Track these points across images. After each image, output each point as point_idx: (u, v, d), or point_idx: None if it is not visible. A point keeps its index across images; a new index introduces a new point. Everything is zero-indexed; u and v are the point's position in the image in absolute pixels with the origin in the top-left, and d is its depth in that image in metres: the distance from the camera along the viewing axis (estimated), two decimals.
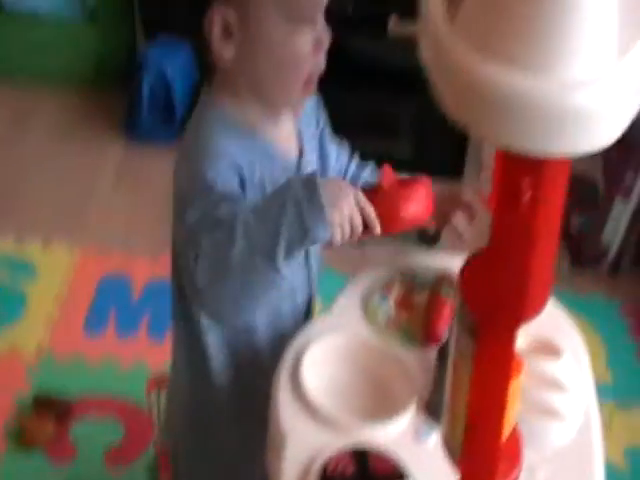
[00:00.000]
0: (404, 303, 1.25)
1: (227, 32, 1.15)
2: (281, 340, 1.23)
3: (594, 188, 2.64)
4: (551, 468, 1.04)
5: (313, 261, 1.31)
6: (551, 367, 1.12)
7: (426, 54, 0.71)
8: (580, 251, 2.65)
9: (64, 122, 3.03)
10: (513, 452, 0.83)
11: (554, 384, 1.10)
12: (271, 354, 1.23)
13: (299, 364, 1.13)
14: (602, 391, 2.16)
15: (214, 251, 1.09)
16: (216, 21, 1.14)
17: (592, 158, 2.25)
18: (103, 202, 2.72)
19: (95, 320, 2.31)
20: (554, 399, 1.08)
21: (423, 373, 1.13)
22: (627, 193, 2.52)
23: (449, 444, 0.83)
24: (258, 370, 1.25)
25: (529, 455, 1.02)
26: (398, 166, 1.37)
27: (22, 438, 2.01)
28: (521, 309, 0.74)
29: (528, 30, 0.65)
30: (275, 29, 1.14)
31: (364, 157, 1.64)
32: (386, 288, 1.28)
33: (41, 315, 2.31)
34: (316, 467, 1.00)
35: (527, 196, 0.69)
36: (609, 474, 2.01)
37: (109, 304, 2.36)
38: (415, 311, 1.24)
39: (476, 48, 0.66)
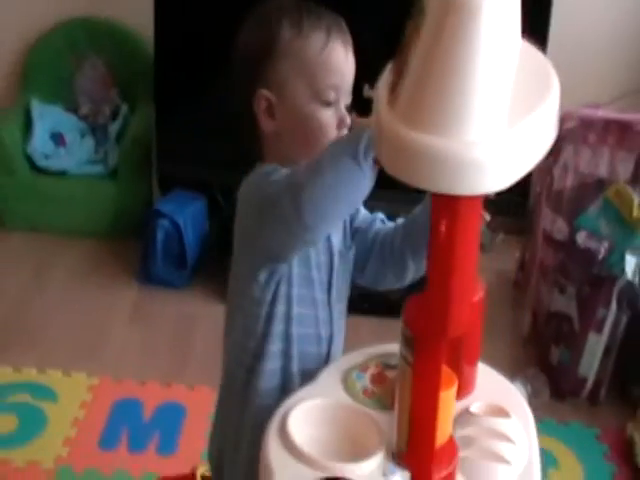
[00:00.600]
0: (378, 379, 1.40)
1: (270, 111, 1.41)
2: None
3: (570, 323, 2.71)
4: None
5: (335, 302, 1.50)
6: (500, 424, 1.29)
7: (374, 133, 0.97)
8: (560, 382, 2.71)
9: (84, 269, 3.23)
10: (450, 453, 1.01)
11: (502, 436, 1.27)
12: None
13: (287, 418, 1.29)
14: None
15: (308, 167, 1.27)
16: (261, 102, 1.41)
17: (567, 296, 2.47)
18: (118, 339, 2.89)
19: (109, 438, 2.46)
20: (501, 447, 1.24)
21: (391, 430, 1.30)
22: (599, 327, 2.61)
23: (398, 442, 1.02)
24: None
25: None
26: (392, 311, 1.51)
27: None
28: (445, 325, 0.94)
29: (438, 108, 0.89)
30: (306, 106, 1.40)
31: (356, 299, 1.81)
32: (363, 368, 1.44)
33: (60, 433, 2.46)
34: None
35: (443, 226, 0.92)
36: None
37: (122, 424, 2.51)
38: (387, 384, 1.37)
39: (404, 123, 0.90)
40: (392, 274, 1.53)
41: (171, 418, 2.56)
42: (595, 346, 2.65)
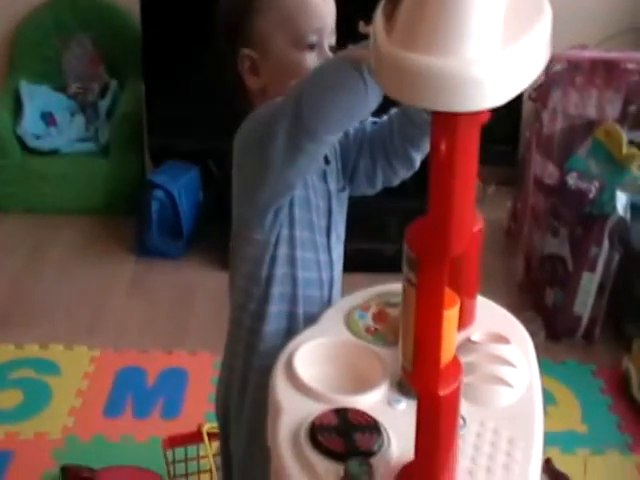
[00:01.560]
0: (379, 317, 1.42)
1: (254, 68, 1.43)
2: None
3: (564, 264, 2.76)
4: (500, 420, 1.21)
5: (334, 246, 1.53)
6: (501, 350, 1.31)
7: (373, 59, 0.96)
8: (555, 323, 2.77)
9: (81, 246, 3.25)
10: (455, 371, 1.02)
11: (503, 361, 1.29)
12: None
13: (293, 357, 1.29)
14: (579, 440, 2.35)
15: (308, 76, 1.28)
16: (245, 61, 1.43)
17: (560, 238, 2.50)
18: (118, 311, 2.91)
19: (114, 406, 2.48)
20: (503, 371, 1.26)
21: (394, 363, 1.32)
22: (592, 266, 2.65)
23: (404, 360, 1.03)
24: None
25: (483, 411, 1.24)
26: (385, 265, 1.51)
27: None
28: (447, 243, 0.95)
29: (436, 28, 0.88)
30: (290, 55, 1.41)
31: (353, 255, 1.82)
32: (364, 307, 1.46)
33: (65, 405, 2.48)
34: (306, 423, 1.18)
35: (443, 145, 0.92)
36: None
37: (126, 392, 2.53)
38: (388, 322, 1.40)
39: (403, 47, 0.90)
40: (401, 167, 1.52)
41: (174, 383, 2.58)
42: (589, 285, 2.69)
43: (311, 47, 1.42)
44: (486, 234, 3.41)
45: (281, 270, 1.47)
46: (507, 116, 2.84)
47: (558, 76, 2.81)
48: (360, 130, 1.53)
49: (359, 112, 1.28)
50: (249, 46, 1.43)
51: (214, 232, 2.97)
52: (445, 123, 0.92)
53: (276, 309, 1.49)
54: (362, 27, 1.21)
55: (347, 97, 1.23)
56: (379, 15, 0.98)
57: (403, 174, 1.54)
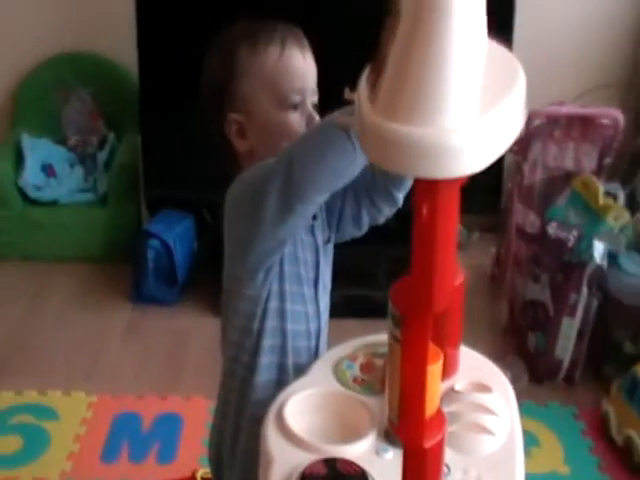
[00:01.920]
0: (367, 367, 1.42)
1: (241, 132, 1.45)
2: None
3: (545, 310, 2.77)
4: (482, 468, 1.21)
5: (321, 297, 1.53)
6: (484, 398, 1.33)
7: (357, 128, 0.99)
8: (537, 366, 2.76)
9: (79, 293, 3.24)
10: (439, 423, 1.04)
11: (486, 410, 1.31)
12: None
13: (283, 408, 1.30)
14: None
15: (298, 140, 1.30)
16: (232, 125, 1.44)
17: (541, 284, 2.52)
18: (114, 357, 2.90)
19: (110, 451, 2.47)
20: (485, 419, 1.28)
21: (382, 412, 1.33)
22: (572, 312, 2.66)
23: (390, 413, 1.04)
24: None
25: (466, 459, 1.25)
26: (374, 310, 1.50)
27: None
28: (430, 301, 0.97)
29: (416, 99, 0.90)
30: (275, 117, 1.43)
31: (343, 302, 1.82)
32: (352, 357, 1.47)
33: (63, 450, 2.47)
34: (296, 473, 1.19)
35: (425, 209, 0.94)
36: None
37: (122, 437, 2.52)
38: (376, 372, 1.40)
39: (385, 116, 0.92)
40: (385, 206, 1.53)
41: (169, 428, 2.57)
42: (569, 330, 2.70)
43: (294, 107, 1.43)
44: (471, 279, 3.46)
45: (271, 323, 1.48)
46: (490, 167, 2.86)
47: (537, 130, 2.85)
48: None
49: (348, 173, 1.29)
50: (235, 110, 1.44)
51: (208, 279, 2.98)
52: (426, 189, 0.94)
53: (267, 360, 1.50)
54: (347, 94, 1.23)
55: (336, 160, 1.25)
56: (363, 84, 1.00)
57: (387, 212, 1.54)
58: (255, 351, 1.49)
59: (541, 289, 2.79)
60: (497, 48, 1.03)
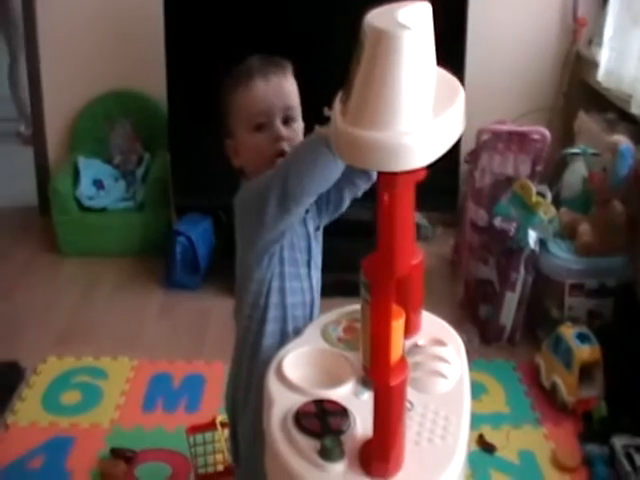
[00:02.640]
0: (349, 329, 1.43)
1: (235, 152, 1.45)
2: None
3: (492, 286, 2.79)
4: (438, 403, 1.23)
5: (313, 274, 1.53)
6: (440, 351, 1.33)
7: (332, 136, 0.99)
8: (487, 331, 2.78)
9: (123, 281, 3.23)
10: (402, 367, 1.04)
11: (441, 359, 1.31)
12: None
13: (282, 362, 1.32)
14: (503, 418, 2.37)
15: (292, 155, 1.30)
16: (229, 148, 1.46)
17: (489, 266, 2.51)
18: (151, 331, 2.89)
19: (149, 403, 2.47)
20: (441, 366, 1.29)
21: (360, 364, 1.32)
22: (513, 287, 2.67)
23: (364, 359, 1.04)
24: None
25: (426, 397, 1.25)
26: (358, 291, 1.50)
27: (102, 477, 2.13)
28: (391, 270, 0.97)
29: (375, 110, 0.91)
30: (247, 139, 1.42)
31: (333, 284, 1.81)
32: (337, 322, 1.48)
33: (112, 402, 2.47)
34: (291, 411, 1.19)
35: (386, 197, 0.95)
36: (508, 469, 2.20)
37: (158, 392, 2.52)
38: (355, 333, 1.41)
39: (353, 125, 0.93)
40: (362, 182, 1.49)
41: (194, 386, 2.57)
42: (511, 302, 2.70)
43: (259, 128, 1.40)
44: (435, 264, 3.47)
45: (275, 299, 1.48)
46: (448, 174, 2.89)
47: (485, 144, 2.85)
48: None
49: (332, 178, 1.30)
50: (229, 136, 1.45)
51: (224, 267, 2.93)
52: (386, 180, 0.95)
53: (271, 328, 1.49)
54: (326, 111, 1.23)
55: (322, 170, 1.26)
56: (337, 101, 1.01)
57: (365, 187, 1.50)
58: (262, 320, 1.49)
59: (489, 270, 2.80)
60: (444, 73, 1.04)
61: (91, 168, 3.49)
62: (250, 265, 1.46)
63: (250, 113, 1.40)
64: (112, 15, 3.44)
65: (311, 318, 1.54)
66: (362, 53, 0.94)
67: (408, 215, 0.99)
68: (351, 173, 1.47)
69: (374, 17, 0.95)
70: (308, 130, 1.45)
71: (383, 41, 0.91)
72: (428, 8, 0.97)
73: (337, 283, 2.18)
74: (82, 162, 3.49)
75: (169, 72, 3.09)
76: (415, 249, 1.16)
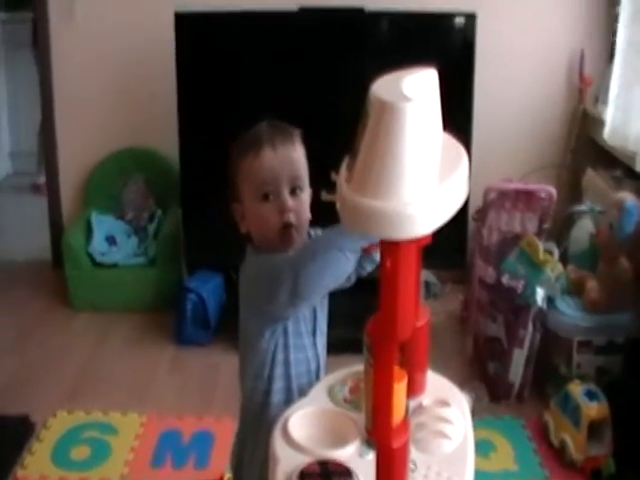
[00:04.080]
0: (354, 389, 1.41)
1: (242, 217, 1.44)
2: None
3: (501, 343, 2.79)
4: (441, 464, 1.22)
5: (319, 342, 1.52)
6: (444, 412, 1.34)
7: (338, 203, 1.00)
8: (495, 388, 2.76)
9: (134, 336, 3.26)
10: (404, 429, 1.05)
11: (445, 420, 1.32)
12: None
13: (287, 422, 1.31)
14: (512, 476, 2.36)
15: (304, 256, 1.29)
16: (237, 212, 1.45)
17: (497, 323, 2.52)
18: (161, 386, 2.90)
19: (158, 459, 2.47)
20: (445, 427, 1.30)
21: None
22: (521, 344, 2.67)
23: (366, 421, 1.05)
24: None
25: (429, 458, 1.25)
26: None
27: None
28: (393, 334, 0.99)
29: (380, 179, 0.92)
30: (253, 207, 1.42)
31: (339, 343, 1.82)
32: (343, 382, 1.47)
33: (122, 458, 2.47)
34: (296, 471, 1.20)
35: (388, 264, 0.96)
36: None
37: (167, 449, 2.52)
38: (361, 393, 1.37)
39: (358, 193, 0.93)
40: (368, 265, 1.48)
41: (204, 443, 2.57)
42: (519, 359, 2.70)
43: (265, 197, 1.40)
44: (444, 321, 3.47)
45: (279, 370, 1.48)
46: (457, 232, 2.92)
47: (492, 202, 2.89)
48: None
49: (343, 277, 1.31)
50: (237, 200, 1.44)
51: (235, 324, 2.98)
52: (388, 247, 0.96)
53: (276, 399, 1.49)
54: (334, 176, 1.24)
55: (334, 271, 1.27)
56: (343, 168, 1.02)
57: (369, 269, 1.51)
58: (267, 392, 1.48)
59: (498, 327, 2.81)
60: (448, 138, 1.04)
61: (104, 224, 3.55)
62: (253, 335, 1.46)
63: (257, 182, 1.40)
64: (127, 73, 3.54)
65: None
66: (367, 122, 0.96)
67: (411, 280, 1.01)
68: (360, 257, 1.48)
69: (379, 86, 0.97)
70: (315, 196, 1.49)
71: (386, 112, 0.93)
72: (434, 75, 0.99)
73: (344, 340, 2.19)
74: (95, 218, 3.56)
75: (181, 130, 3.17)
76: (420, 311, 1.17)
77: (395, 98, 0.94)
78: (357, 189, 0.95)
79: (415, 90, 0.96)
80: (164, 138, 3.43)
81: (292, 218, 1.41)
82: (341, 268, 1.26)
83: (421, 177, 0.94)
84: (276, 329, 1.45)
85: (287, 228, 1.41)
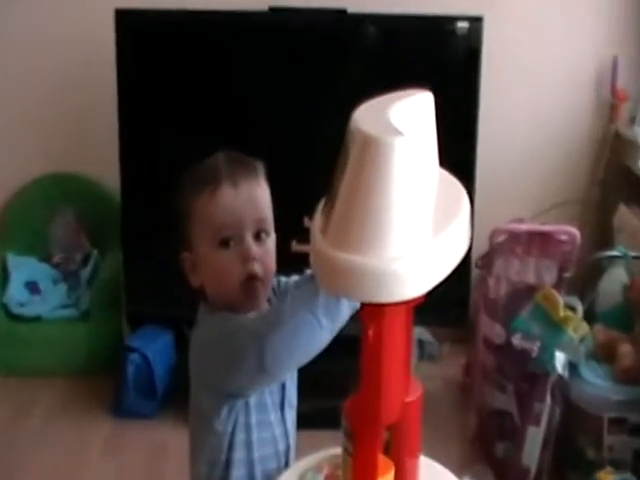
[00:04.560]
0: (330, 477, 1.45)
1: (194, 268, 1.46)
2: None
3: (511, 419, 2.78)
4: None
5: (288, 417, 1.54)
6: None
7: (312, 257, 1.02)
8: (506, 475, 2.76)
9: (60, 407, 3.22)
10: None
11: None
12: None
13: None
14: None
15: (269, 320, 1.31)
16: (186, 262, 1.47)
17: (507, 394, 2.54)
18: (94, 470, 2.88)
19: None
20: None
21: None
22: (537, 421, 2.67)
23: None
24: None
25: None
26: None
27: None
28: (377, 417, 1.01)
29: (360, 231, 0.94)
30: (210, 256, 1.43)
31: (313, 414, 1.81)
32: (318, 468, 1.49)
33: None
34: None
35: (371, 332, 0.99)
36: None
37: None
38: None
39: (334, 246, 0.96)
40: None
41: None
42: (535, 438, 2.69)
43: (225, 243, 1.42)
44: (441, 389, 3.47)
45: (239, 454, 1.49)
46: (458, 282, 2.92)
47: (500, 246, 2.92)
48: None
49: (318, 349, 1.31)
50: (187, 249, 1.47)
51: (187, 392, 2.98)
52: (372, 312, 0.99)
53: None
54: (307, 222, 1.26)
55: (306, 343, 1.28)
56: (318, 215, 1.04)
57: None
58: None
59: (507, 398, 2.81)
60: (446, 175, 1.07)
61: (24, 268, 3.54)
62: (206, 413, 1.47)
63: (215, 226, 1.42)
64: (55, 81, 3.52)
65: (286, 467, 1.56)
66: (347, 159, 0.98)
67: (400, 349, 1.03)
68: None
69: (362, 115, 0.99)
70: (282, 244, 1.52)
71: (371, 149, 0.94)
72: (429, 99, 1.02)
73: (318, 411, 2.20)
74: (12, 261, 3.54)
75: (123, 152, 3.17)
76: (411, 383, 1.20)
77: (381, 131, 0.96)
78: (334, 241, 0.97)
79: (406, 120, 0.99)
80: (100, 161, 3.43)
81: (257, 268, 1.43)
82: (316, 338, 1.27)
83: (412, 227, 0.96)
84: (235, 405, 1.46)
85: (251, 280, 1.43)
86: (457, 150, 2.74)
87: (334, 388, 3.12)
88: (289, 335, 1.27)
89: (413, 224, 0.96)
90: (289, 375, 1.54)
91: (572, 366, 2.69)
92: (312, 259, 1.02)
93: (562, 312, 2.65)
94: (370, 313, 0.99)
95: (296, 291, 1.35)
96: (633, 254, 2.88)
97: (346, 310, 1.28)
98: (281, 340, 1.28)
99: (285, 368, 1.35)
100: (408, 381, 1.10)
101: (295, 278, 1.59)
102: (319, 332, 1.26)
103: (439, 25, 3.19)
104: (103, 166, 3.41)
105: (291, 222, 1.53)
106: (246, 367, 1.32)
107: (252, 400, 1.48)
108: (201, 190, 1.44)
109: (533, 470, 2.75)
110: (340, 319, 1.29)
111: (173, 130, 3.15)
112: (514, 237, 2.90)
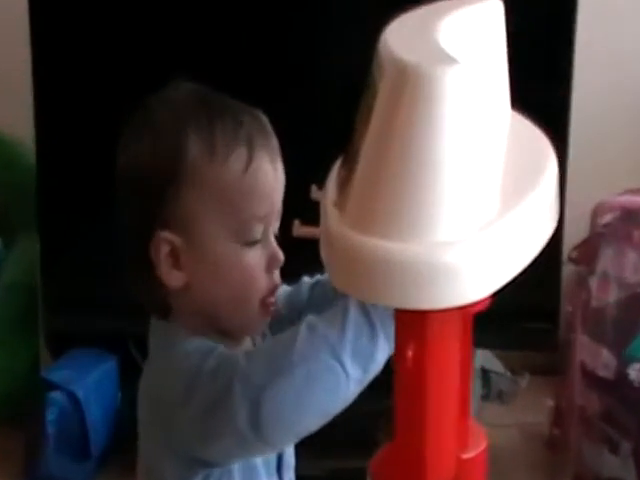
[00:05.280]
0: None
1: (175, 259, 1.43)
2: None
3: None
4: None
5: (285, 475, 1.57)
6: None
7: (321, 242, 1.03)
8: None
9: None
10: None
11: None
12: None
13: None
14: None
15: (270, 362, 1.31)
16: (161, 248, 1.42)
17: (622, 455, 2.59)
18: None
19: None
20: None
21: None
22: None
23: None
24: None
25: None
26: None
27: None
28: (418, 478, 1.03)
29: (396, 207, 0.95)
30: (223, 250, 1.44)
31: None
32: None
33: None
34: None
35: (410, 353, 0.99)
36: None
37: None
38: None
39: (356, 228, 0.96)
40: None
41: None
42: None
43: (254, 243, 1.45)
44: (519, 445, 3.51)
45: None
46: (541, 283, 2.90)
47: (608, 230, 2.92)
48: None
49: (335, 411, 1.32)
50: (170, 227, 1.43)
51: (135, 450, 3.01)
52: (412, 325, 0.99)
53: None
54: (314, 192, 1.28)
55: (322, 400, 1.30)
56: (332, 182, 1.05)
57: None
58: None
59: (622, 462, 2.83)
60: (523, 123, 1.09)
61: None
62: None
63: (245, 214, 1.44)
64: None
65: None
66: (374, 102, 0.98)
67: (452, 380, 1.04)
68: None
69: (395, 35, 1.00)
70: (280, 226, 1.54)
71: (410, 85, 0.95)
72: (497, 9, 1.02)
73: (332, 475, 2.23)
74: None
75: (38, 103, 3.19)
76: (470, 433, 1.22)
77: (426, 58, 0.96)
78: (356, 220, 0.98)
79: (463, 42, 1.00)
80: (9, 114, 3.48)
81: (279, 279, 1.50)
82: (339, 393, 1.29)
83: (471, 200, 0.97)
84: (212, 473, 1.48)
85: (272, 294, 1.48)
86: (543, 92, 2.75)
87: (355, 441, 3.15)
88: (299, 387, 1.29)
89: (472, 196, 0.97)
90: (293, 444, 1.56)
91: None
92: (323, 246, 1.03)
93: None
94: (408, 326, 1.00)
95: (311, 318, 1.33)
96: None
97: (384, 349, 1.29)
98: (286, 393, 1.29)
99: (289, 434, 1.36)
100: (465, 429, 1.12)
101: (304, 285, 1.65)
102: (344, 385, 1.28)
103: None
104: (14, 120, 3.46)
105: (292, 194, 1.54)
106: (232, 428, 1.33)
107: (236, 465, 1.49)
108: (227, 155, 1.43)
109: None
110: (374, 364, 1.30)
111: (106, 64, 3.18)
112: (629, 216, 2.90)
